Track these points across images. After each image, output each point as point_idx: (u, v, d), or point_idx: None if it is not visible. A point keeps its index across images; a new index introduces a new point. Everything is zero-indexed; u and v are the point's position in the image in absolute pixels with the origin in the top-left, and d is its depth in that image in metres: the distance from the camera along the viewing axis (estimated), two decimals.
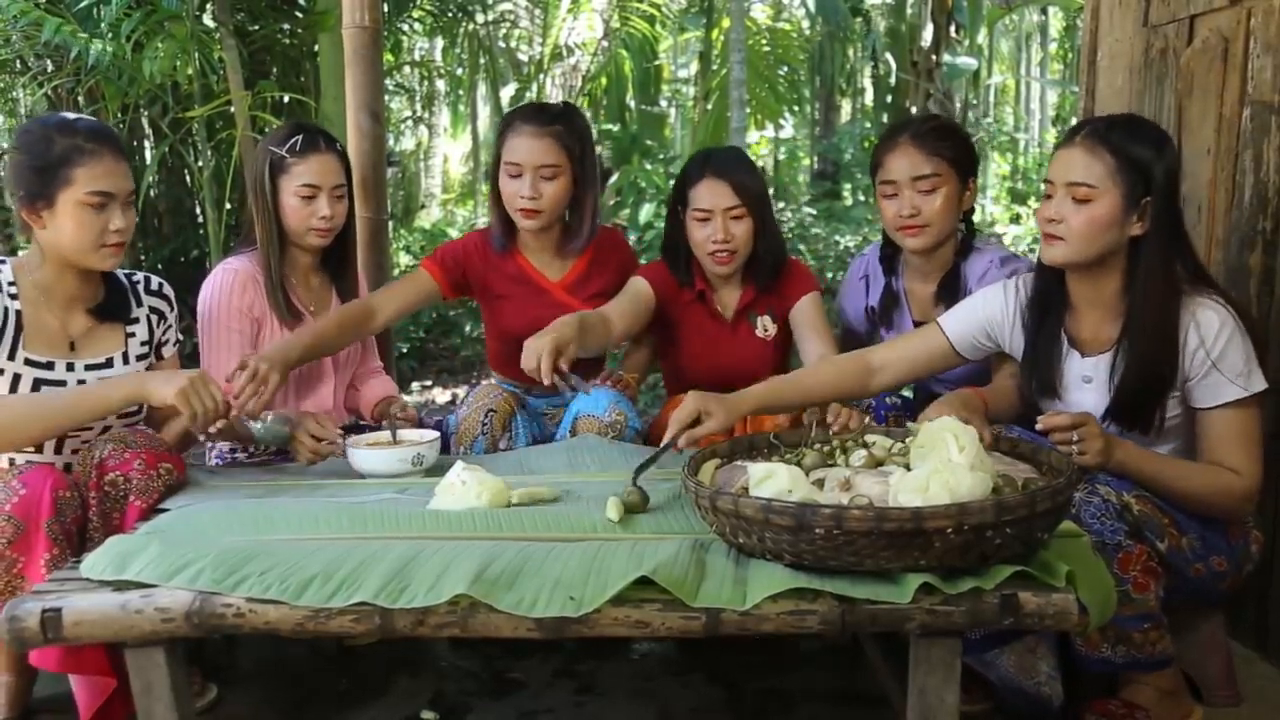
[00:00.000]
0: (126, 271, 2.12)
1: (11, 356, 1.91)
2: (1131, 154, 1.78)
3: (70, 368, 1.98)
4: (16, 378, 1.92)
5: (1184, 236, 1.86)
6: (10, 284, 1.93)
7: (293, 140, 2.28)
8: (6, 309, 1.90)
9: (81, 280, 1.99)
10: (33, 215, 1.90)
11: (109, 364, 2.03)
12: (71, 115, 2.00)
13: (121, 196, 1.92)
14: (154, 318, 2.13)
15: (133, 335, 2.08)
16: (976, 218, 2.42)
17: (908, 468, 1.57)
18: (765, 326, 2.51)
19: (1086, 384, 1.91)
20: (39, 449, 1.96)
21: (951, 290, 2.28)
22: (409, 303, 2.51)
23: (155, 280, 2.16)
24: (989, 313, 2.03)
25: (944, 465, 1.41)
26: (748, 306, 2.50)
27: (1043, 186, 1.92)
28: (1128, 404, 1.86)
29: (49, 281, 1.96)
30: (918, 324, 2.33)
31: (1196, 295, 1.81)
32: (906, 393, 2.43)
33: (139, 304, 2.11)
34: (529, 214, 2.38)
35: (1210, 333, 1.77)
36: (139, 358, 2.09)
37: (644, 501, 1.72)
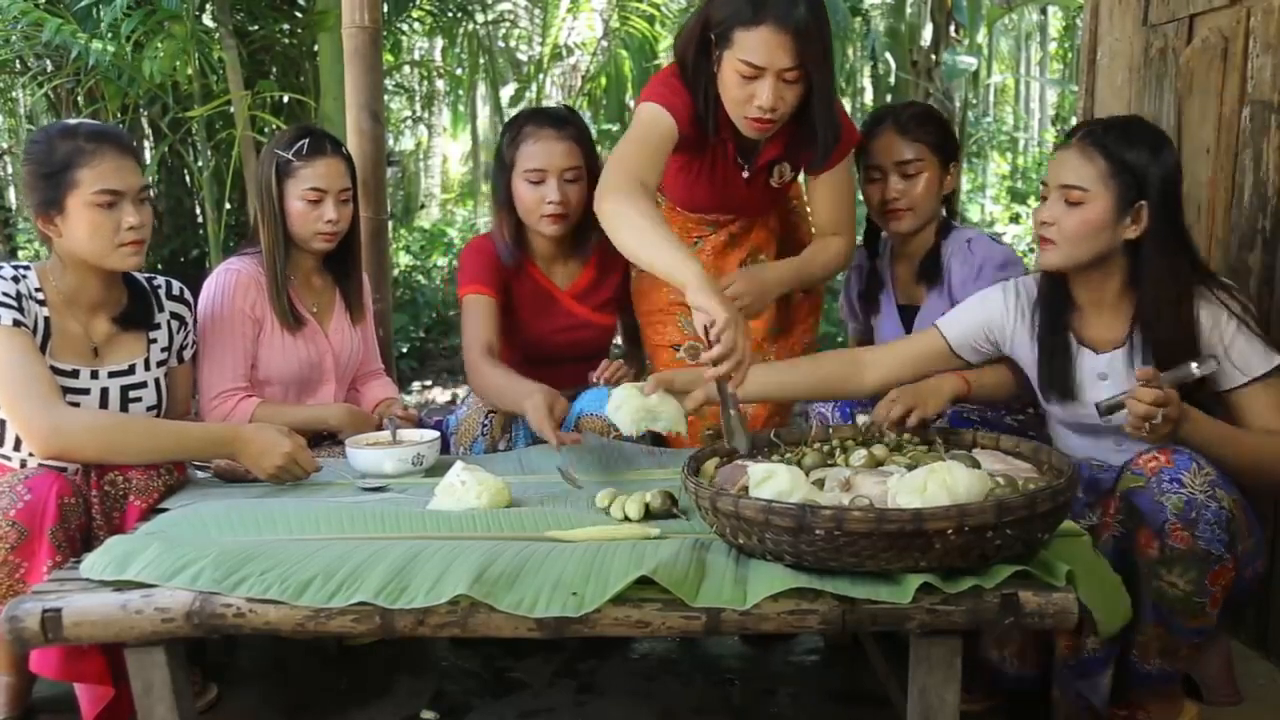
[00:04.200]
0: (147, 275, 2.12)
1: None
2: (1124, 158, 1.77)
3: (94, 375, 1.97)
4: None
5: (1185, 236, 1.84)
6: (37, 290, 1.92)
7: (299, 144, 2.27)
8: (37, 316, 1.90)
9: (105, 286, 1.99)
10: (48, 224, 1.90)
11: (131, 370, 2.03)
12: (74, 120, 1.99)
13: (131, 193, 1.92)
14: (174, 323, 2.13)
15: (154, 341, 2.08)
16: (975, 216, 2.43)
17: (909, 467, 1.57)
18: (782, 173, 2.27)
19: (1102, 381, 1.89)
20: None
21: (931, 272, 2.31)
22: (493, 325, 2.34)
23: (176, 285, 2.15)
24: (988, 315, 2.02)
25: (941, 465, 1.42)
26: (772, 160, 2.20)
27: (1040, 189, 1.92)
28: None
29: (72, 289, 1.96)
30: (901, 308, 2.38)
31: (1206, 290, 1.79)
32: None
33: (160, 309, 2.11)
34: (556, 219, 2.33)
35: (1221, 320, 1.76)
36: (159, 364, 2.09)
37: (672, 505, 1.70)
